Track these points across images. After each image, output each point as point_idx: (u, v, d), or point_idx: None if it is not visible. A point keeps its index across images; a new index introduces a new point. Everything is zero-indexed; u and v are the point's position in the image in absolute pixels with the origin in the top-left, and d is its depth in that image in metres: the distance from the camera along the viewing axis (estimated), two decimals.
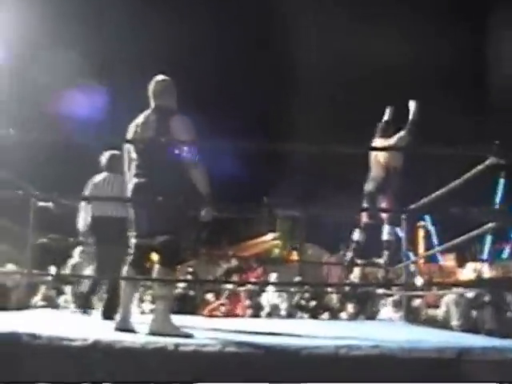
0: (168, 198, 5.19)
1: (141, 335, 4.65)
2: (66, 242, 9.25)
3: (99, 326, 5.43)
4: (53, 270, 12.92)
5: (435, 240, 31.57)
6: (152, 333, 4.85)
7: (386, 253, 8.69)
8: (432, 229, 33.56)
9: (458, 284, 11.88)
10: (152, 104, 5.63)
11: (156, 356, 3.78)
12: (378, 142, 8.83)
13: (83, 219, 7.89)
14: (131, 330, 5.06)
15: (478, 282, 8.75)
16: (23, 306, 8.62)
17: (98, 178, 7.74)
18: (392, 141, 8.59)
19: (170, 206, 5.33)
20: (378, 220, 8.76)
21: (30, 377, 3.75)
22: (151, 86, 5.65)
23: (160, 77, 5.70)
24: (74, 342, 3.88)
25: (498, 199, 25.01)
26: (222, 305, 12.63)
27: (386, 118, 9.10)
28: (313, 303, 12.83)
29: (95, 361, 3.80)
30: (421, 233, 33.65)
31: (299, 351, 3.86)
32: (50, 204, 8.43)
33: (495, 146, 5.05)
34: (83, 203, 7.97)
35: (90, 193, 7.60)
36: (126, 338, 4.05)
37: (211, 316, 11.28)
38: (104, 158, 7.86)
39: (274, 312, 12.73)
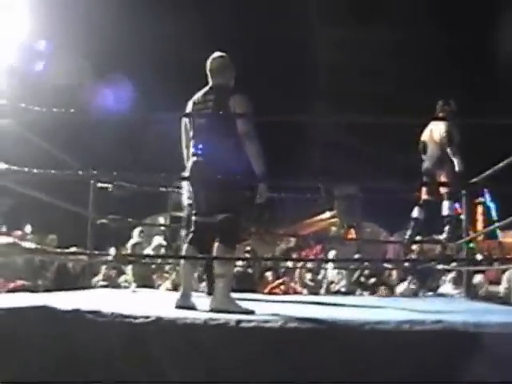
0: (227, 176, 5.23)
1: (202, 312, 4.68)
2: (125, 222, 9.32)
3: (161, 304, 5.47)
4: (112, 250, 13.09)
5: (494, 216, 31.14)
6: (213, 310, 4.93)
7: (446, 228, 8.63)
8: (491, 205, 33.12)
9: None
10: (210, 82, 5.63)
11: (217, 332, 3.80)
12: (432, 122, 8.75)
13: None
14: (192, 308, 5.12)
15: None
16: (85, 285, 8.75)
17: None
18: (444, 125, 8.53)
19: (229, 184, 5.36)
20: (436, 196, 8.70)
21: (95, 354, 3.80)
22: (208, 64, 5.64)
23: (217, 54, 5.69)
24: (136, 320, 3.92)
25: None
26: (283, 283, 12.63)
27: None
28: (372, 280, 12.78)
29: (157, 337, 3.84)
30: (480, 209, 33.24)
31: (362, 326, 3.84)
32: (109, 186, 8.51)
33: None
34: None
35: None
36: (188, 315, 4.08)
37: (271, 294, 11.29)
38: None
39: (333, 289, 12.71)
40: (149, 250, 12.46)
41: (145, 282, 11.37)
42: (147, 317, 3.92)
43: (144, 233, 13.32)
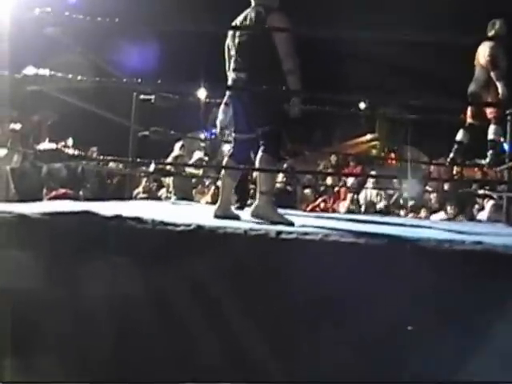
0: (267, 91, 5.27)
1: (242, 222, 4.72)
2: (167, 135, 9.34)
3: (201, 214, 5.51)
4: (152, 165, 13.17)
5: None
6: (254, 215, 5.22)
7: (490, 152, 8.53)
8: None
9: None
10: (252, 2, 5.64)
11: (257, 243, 3.82)
12: (482, 44, 8.54)
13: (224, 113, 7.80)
14: (231, 218, 5.24)
15: None
16: (125, 197, 8.84)
17: None
18: (490, 44, 8.32)
19: (269, 99, 5.39)
20: (482, 120, 8.57)
21: (134, 260, 3.84)
22: None
23: None
24: (177, 227, 3.95)
25: None
26: (324, 201, 12.68)
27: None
28: (411, 202, 12.77)
29: (197, 245, 3.87)
30: None
31: (402, 242, 3.84)
32: (152, 97, 8.51)
33: None
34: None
35: None
36: (229, 225, 4.10)
37: (311, 211, 11.35)
38: None
39: (372, 209, 12.73)
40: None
41: (185, 195, 11.49)
42: (188, 225, 3.95)
43: (185, 147, 13.39)
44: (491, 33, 8.43)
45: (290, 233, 3.85)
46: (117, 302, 3.80)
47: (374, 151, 26.31)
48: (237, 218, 5.31)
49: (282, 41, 5.33)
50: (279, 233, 3.84)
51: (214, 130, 8.68)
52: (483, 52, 8.34)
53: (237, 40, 5.57)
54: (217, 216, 5.30)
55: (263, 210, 5.25)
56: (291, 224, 4.78)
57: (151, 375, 3.71)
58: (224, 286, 3.75)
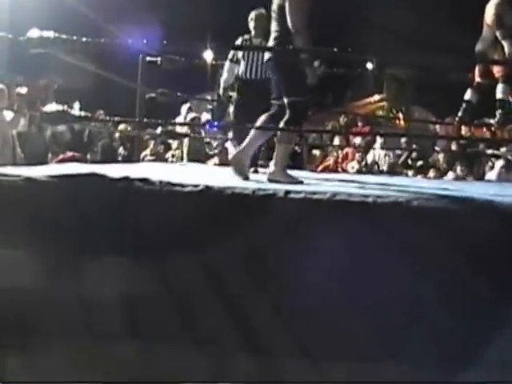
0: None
1: (253, 183, 4.72)
2: (174, 97, 9.32)
3: (210, 175, 5.52)
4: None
5: None
6: (268, 180, 5.48)
7: (498, 112, 8.47)
8: None
9: None
10: None
11: (265, 202, 3.81)
12: (490, 2, 8.44)
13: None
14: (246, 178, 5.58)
15: None
16: (133, 159, 8.84)
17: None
18: (496, 2, 8.22)
19: (292, 70, 5.69)
20: (490, 79, 8.50)
21: (143, 223, 3.84)
22: None
23: None
24: (184, 188, 3.94)
25: None
26: (334, 161, 12.69)
27: None
28: (420, 162, 12.73)
29: (205, 206, 3.87)
30: None
31: (408, 202, 3.82)
32: (158, 59, 8.49)
33: None
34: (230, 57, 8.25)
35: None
36: (237, 185, 4.09)
37: (321, 171, 11.36)
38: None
39: (380, 169, 12.71)
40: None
41: (198, 157, 11.54)
42: (196, 185, 3.94)
43: (192, 109, 13.38)
44: None
45: (299, 192, 3.84)
46: (124, 269, 3.80)
47: (381, 112, 26.20)
48: (300, 182, 5.46)
49: (291, 18, 5.59)
50: (288, 192, 3.83)
51: (215, 124, 8.93)
52: (490, 10, 8.25)
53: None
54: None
55: (276, 173, 5.54)
56: (300, 182, 5.22)
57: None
58: (232, 248, 3.75)
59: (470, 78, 8.77)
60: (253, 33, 8.04)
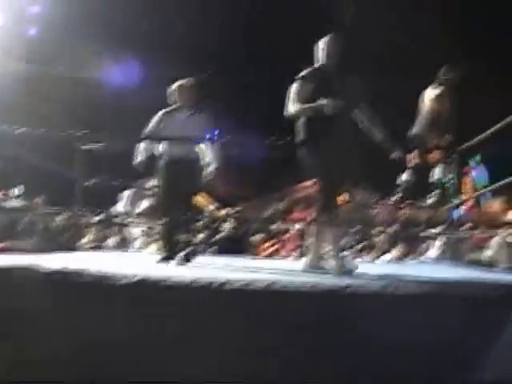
0: None
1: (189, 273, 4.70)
2: (114, 184, 9.31)
3: (146, 265, 5.48)
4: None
5: (483, 183, 31.25)
6: None
7: (435, 193, 8.65)
8: (480, 172, 33.25)
9: (504, 225, 11.76)
10: None
11: (201, 293, 3.80)
12: (428, 89, 8.68)
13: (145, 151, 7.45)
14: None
15: None
16: (72, 247, 8.75)
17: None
18: (439, 90, 8.45)
19: None
20: (426, 162, 8.69)
21: (79, 314, 3.80)
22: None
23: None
24: (120, 281, 3.91)
25: None
26: (273, 245, 12.68)
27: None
28: (360, 245, 12.81)
29: (141, 298, 3.84)
30: (468, 176, 33.38)
31: (344, 289, 3.85)
32: (96, 146, 8.48)
33: None
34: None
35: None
36: (173, 275, 4.07)
37: (261, 256, 11.36)
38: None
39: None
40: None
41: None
42: (132, 276, 3.92)
43: (136, 195, 13.36)
44: (442, 78, 8.52)
45: (235, 282, 3.84)
46: (59, 357, 3.75)
47: None
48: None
49: None
50: (224, 283, 3.83)
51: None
52: (430, 96, 8.45)
53: None
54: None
55: None
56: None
57: None
58: (169, 335, 3.73)
59: (407, 160, 8.92)
60: (177, 104, 7.35)
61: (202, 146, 7.23)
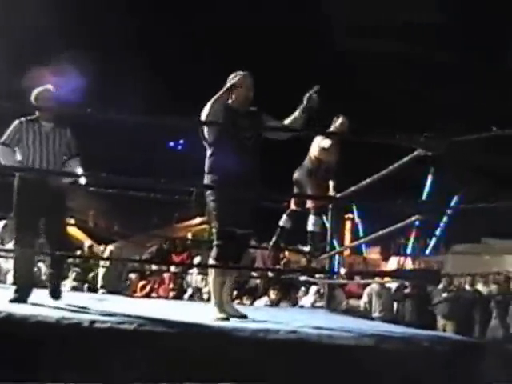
0: None
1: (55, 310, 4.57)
2: None
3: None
4: None
5: (361, 232, 32.07)
6: None
7: (310, 243, 8.70)
8: (359, 221, 34.12)
9: (380, 274, 12.04)
10: None
11: (70, 332, 3.71)
12: (318, 137, 8.69)
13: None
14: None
15: (401, 274, 8.88)
16: None
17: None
18: (327, 141, 8.50)
19: None
20: (304, 208, 8.74)
21: None
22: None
23: None
24: None
25: (426, 193, 25.32)
26: (145, 286, 12.56)
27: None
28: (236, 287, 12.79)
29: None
30: (348, 225, 34.17)
31: (215, 334, 3.84)
32: None
33: (424, 137, 4.98)
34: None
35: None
36: (40, 313, 3.96)
37: (135, 296, 11.23)
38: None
39: (196, 295, 12.65)
40: (10, 245, 12.14)
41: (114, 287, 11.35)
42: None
43: (8, 227, 12.98)
44: (332, 127, 8.52)
45: (104, 322, 3.77)
46: None
47: (205, 234, 26.38)
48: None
49: None
50: (93, 322, 3.75)
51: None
52: (317, 143, 8.48)
53: None
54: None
55: None
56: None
57: None
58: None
59: (285, 205, 8.98)
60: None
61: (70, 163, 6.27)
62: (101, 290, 11.44)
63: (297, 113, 5.92)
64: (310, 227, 8.57)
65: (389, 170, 6.31)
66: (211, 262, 5.65)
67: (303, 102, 5.89)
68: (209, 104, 5.68)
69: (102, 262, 11.94)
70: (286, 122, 5.99)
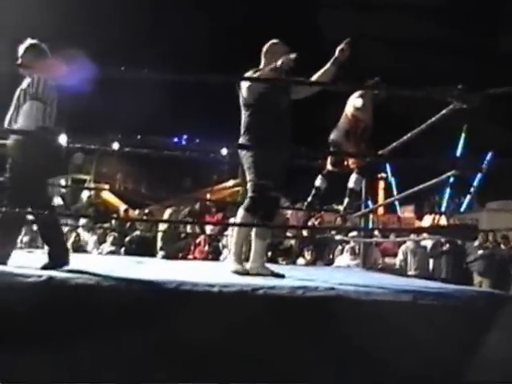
0: None
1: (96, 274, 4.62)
2: None
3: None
4: None
5: (395, 191, 31.88)
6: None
7: (346, 200, 8.65)
8: (392, 180, 33.87)
9: (416, 231, 11.97)
10: None
11: (109, 295, 3.77)
12: (353, 96, 8.59)
13: None
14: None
15: (436, 231, 8.79)
16: None
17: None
18: (357, 97, 8.41)
19: None
20: (340, 169, 8.68)
21: None
22: None
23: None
24: (28, 278, 3.84)
25: (459, 149, 25.13)
26: (189, 249, 12.61)
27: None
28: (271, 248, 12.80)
29: (49, 297, 3.77)
30: (381, 184, 33.94)
31: (254, 291, 3.86)
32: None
33: (458, 90, 4.92)
34: None
35: None
36: (81, 276, 4.01)
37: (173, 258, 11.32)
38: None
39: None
40: None
41: None
42: (39, 276, 3.85)
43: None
44: (363, 87, 8.42)
45: (143, 283, 3.81)
46: None
47: (238, 197, 26.42)
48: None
49: None
50: (131, 284, 3.79)
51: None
52: (352, 102, 8.39)
53: None
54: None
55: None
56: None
57: None
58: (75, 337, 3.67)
59: (320, 165, 8.92)
60: None
61: None
62: (160, 252, 11.52)
63: (327, 65, 5.92)
64: (350, 184, 8.51)
65: (423, 126, 6.28)
66: (241, 211, 5.71)
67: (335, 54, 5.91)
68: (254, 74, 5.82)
69: (160, 226, 12.06)
70: (316, 75, 6.00)
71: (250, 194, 5.73)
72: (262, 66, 6.10)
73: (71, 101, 5.85)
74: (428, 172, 6.20)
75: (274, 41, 6.22)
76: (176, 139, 27.01)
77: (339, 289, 4.06)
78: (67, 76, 5.13)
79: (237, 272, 5.43)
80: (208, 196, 23.78)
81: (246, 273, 5.43)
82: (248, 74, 5.99)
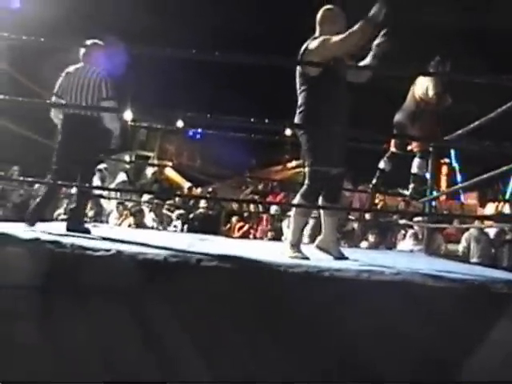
0: None
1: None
2: None
3: (121, 238, 5.44)
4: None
5: (458, 177, 31.52)
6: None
7: (411, 186, 8.58)
8: (456, 166, 33.47)
9: (479, 218, 11.82)
10: None
11: (177, 269, 3.80)
12: (421, 78, 8.45)
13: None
14: None
15: (500, 218, 8.66)
16: (46, 218, 8.67)
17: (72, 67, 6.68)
18: (426, 80, 8.27)
19: None
20: (405, 151, 8.61)
21: (56, 285, 3.78)
22: None
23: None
24: (96, 252, 3.90)
25: None
26: (242, 227, 12.68)
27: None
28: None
29: (117, 270, 3.83)
30: (444, 170, 33.53)
31: (320, 273, 3.86)
32: None
33: None
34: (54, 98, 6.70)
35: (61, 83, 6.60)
36: (149, 251, 4.05)
37: (233, 236, 11.36)
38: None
39: None
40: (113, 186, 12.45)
41: None
42: (108, 250, 3.90)
43: (108, 169, 13.32)
44: (433, 68, 8.28)
45: (207, 260, 3.83)
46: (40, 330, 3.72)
47: (300, 177, 26.37)
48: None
49: None
50: (200, 260, 3.82)
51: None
52: (423, 85, 8.24)
53: None
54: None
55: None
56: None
57: None
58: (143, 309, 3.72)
59: (384, 148, 8.84)
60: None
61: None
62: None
63: (367, 60, 5.77)
64: (414, 169, 8.43)
65: (491, 114, 6.18)
66: (297, 198, 5.65)
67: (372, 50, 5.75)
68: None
69: None
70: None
71: (307, 180, 5.62)
72: (317, 34, 5.78)
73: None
74: (492, 158, 6.10)
75: (329, 6, 5.86)
76: (191, 133, 27.08)
77: (406, 273, 4.04)
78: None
79: (296, 258, 5.35)
80: (270, 176, 23.73)
81: (305, 257, 5.36)
82: (310, 43, 5.68)
